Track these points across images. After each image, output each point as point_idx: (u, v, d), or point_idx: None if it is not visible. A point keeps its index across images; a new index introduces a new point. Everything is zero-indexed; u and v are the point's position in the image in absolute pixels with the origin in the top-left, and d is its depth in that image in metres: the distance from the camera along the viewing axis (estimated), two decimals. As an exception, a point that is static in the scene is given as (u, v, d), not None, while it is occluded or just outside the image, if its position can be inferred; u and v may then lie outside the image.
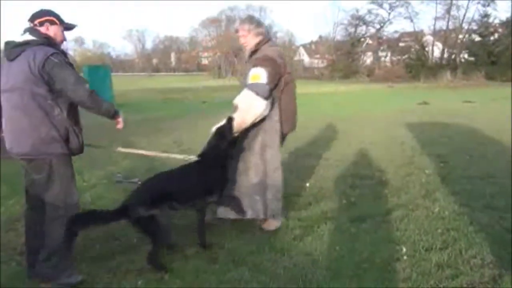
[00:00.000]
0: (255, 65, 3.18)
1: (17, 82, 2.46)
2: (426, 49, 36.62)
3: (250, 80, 3.16)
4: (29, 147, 2.50)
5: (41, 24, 2.57)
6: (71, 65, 2.54)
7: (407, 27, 43.84)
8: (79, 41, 67.18)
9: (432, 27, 38.11)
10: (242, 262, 2.87)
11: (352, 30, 42.30)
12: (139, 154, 4.59)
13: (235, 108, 3.20)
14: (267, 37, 3.37)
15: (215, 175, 3.10)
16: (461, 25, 35.64)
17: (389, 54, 42.09)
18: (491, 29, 32.84)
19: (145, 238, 2.89)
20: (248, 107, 3.12)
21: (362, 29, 42.61)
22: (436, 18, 37.25)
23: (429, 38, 37.94)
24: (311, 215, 3.70)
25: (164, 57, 76.93)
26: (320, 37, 47.53)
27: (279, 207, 3.42)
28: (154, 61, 77.76)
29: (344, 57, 40.63)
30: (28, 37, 2.51)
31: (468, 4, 34.56)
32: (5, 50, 2.55)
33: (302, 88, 6.49)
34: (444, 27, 36.86)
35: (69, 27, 2.72)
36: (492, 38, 32.50)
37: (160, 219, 2.84)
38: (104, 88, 14.69)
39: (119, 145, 4.23)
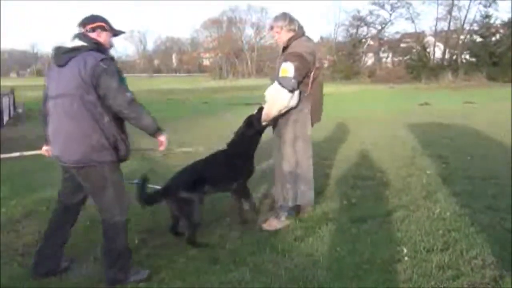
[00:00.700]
0: (285, 60, 3.35)
1: (68, 88, 2.41)
2: (428, 50, 36.59)
3: (280, 74, 3.33)
4: (79, 155, 2.46)
5: (93, 30, 2.54)
6: (119, 72, 2.50)
7: (409, 28, 44.02)
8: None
9: (433, 28, 38.28)
10: (243, 262, 2.87)
11: (353, 31, 42.41)
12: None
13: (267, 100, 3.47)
14: (299, 32, 3.48)
15: (241, 162, 3.43)
16: (462, 26, 35.69)
17: (390, 55, 42.21)
18: (493, 30, 32.80)
19: (180, 220, 3.23)
20: (274, 99, 3.35)
21: (363, 30, 42.78)
22: (437, 19, 37.43)
23: (430, 39, 37.97)
24: (312, 216, 3.70)
25: (165, 58, 77.10)
26: (321, 38, 47.60)
27: (311, 197, 3.65)
28: (156, 62, 77.93)
29: (346, 58, 40.69)
30: (78, 42, 2.48)
31: (469, 5, 34.67)
32: (55, 55, 2.51)
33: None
34: (446, 28, 36.97)
35: (117, 33, 2.69)
36: (493, 39, 32.43)
37: (196, 202, 3.15)
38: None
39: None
